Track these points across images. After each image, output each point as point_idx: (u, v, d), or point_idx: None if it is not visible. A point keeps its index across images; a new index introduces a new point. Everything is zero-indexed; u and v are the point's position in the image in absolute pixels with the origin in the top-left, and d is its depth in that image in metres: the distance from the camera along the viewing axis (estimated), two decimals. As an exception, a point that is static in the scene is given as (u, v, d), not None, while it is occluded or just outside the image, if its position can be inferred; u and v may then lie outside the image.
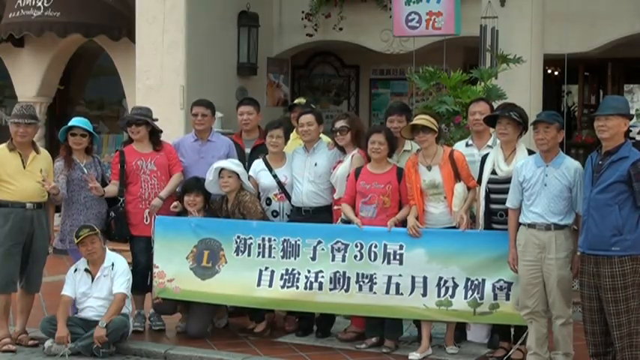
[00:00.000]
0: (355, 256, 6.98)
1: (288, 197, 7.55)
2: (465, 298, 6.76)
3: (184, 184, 7.68)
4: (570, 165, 6.22)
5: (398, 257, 6.87)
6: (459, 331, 7.16)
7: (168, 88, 11.10)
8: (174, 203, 7.65)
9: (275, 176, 7.56)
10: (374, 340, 7.16)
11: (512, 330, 6.90)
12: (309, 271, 7.09)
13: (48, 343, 7.13)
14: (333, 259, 7.03)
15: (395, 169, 7.04)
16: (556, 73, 13.48)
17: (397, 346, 7.10)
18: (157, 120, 7.89)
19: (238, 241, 7.29)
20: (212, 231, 7.39)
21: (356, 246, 6.97)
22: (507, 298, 6.67)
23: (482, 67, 8.65)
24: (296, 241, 7.14)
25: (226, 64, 11.89)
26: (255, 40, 12.10)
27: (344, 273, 7.00)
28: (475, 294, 6.74)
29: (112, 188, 7.65)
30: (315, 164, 7.44)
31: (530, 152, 6.57)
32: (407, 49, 11.13)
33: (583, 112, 14.07)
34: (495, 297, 6.70)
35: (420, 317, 6.96)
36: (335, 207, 7.37)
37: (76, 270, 7.34)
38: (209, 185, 7.46)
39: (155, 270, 7.46)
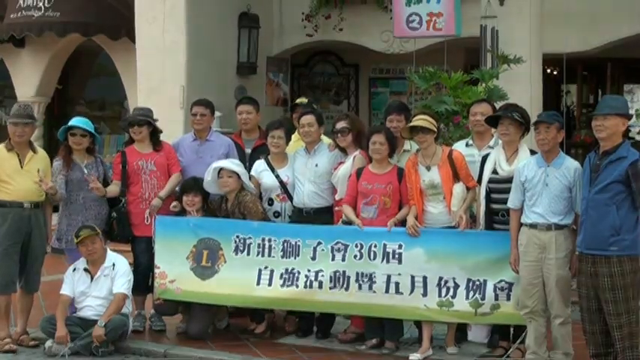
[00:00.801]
0: (355, 256, 6.98)
1: (290, 198, 7.53)
2: (467, 298, 6.76)
3: (183, 184, 7.67)
4: (570, 165, 6.22)
5: (397, 256, 6.88)
6: (460, 332, 7.14)
7: (169, 88, 11.05)
8: (174, 203, 7.63)
9: (277, 176, 7.53)
10: (374, 341, 7.11)
11: (511, 329, 6.88)
12: (309, 271, 7.09)
13: (48, 343, 7.14)
14: (332, 259, 7.03)
15: (395, 169, 7.04)
16: (555, 72, 13.48)
17: (398, 348, 7.08)
18: (157, 120, 7.90)
19: (237, 240, 7.28)
20: (211, 230, 7.37)
21: (356, 246, 6.98)
22: (508, 299, 6.67)
23: (483, 68, 8.63)
24: (296, 242, 7.14)
25: (227, 63, 11.85)
26: (255, 40, 12.06)
27: (344, 272, 7.00)
28: (477, 294, 6.74)
29: (113, 188, 7.65)
30: (316, 165, 7.43)
31: (533, 152, 6.56)
32: (407, 50, 11.07)
33: (582, 112, 14.05)
34: (497, 297, 6.70)
35: (421, 318, 6.94)
36: (336, 208, 7.37)
37: (74, 269, 7.34)
38: (207, 185, 7.45)
39: (156, 270, 7.43)
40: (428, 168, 6.82)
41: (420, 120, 6.78)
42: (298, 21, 12.37)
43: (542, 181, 6.19)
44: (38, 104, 13.05)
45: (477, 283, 6.74)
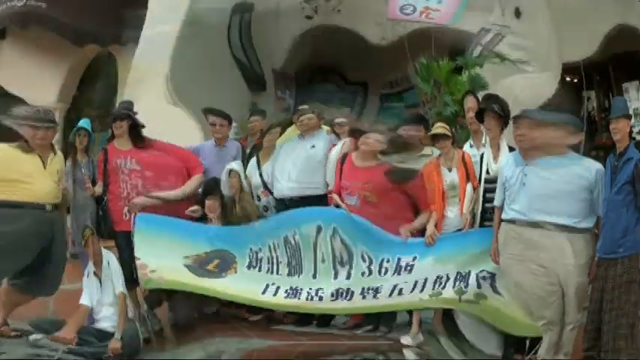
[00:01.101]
0: (363, 273, 6.86)
1: (271, 192, 7.66)
2: (454, 287, 6.65)
3: (204, 187, 7.63)
4: (591, 166, 6.11)
5: (409, 268, 6.76)
6: (461, 340, 6.87)
7: (157, 82, 10.75)
8: (194, 207, 7.49)
9: (261, 175, 7.69)
10: (370, 327, 7.23)
11: (527, 342, 6.62)
12: (310, 289, 6.96)
13: (34, 336, 6.84)
14: (335, 277, 6.91)
15: (382, 167, 7.00)
16: (575, 80, 13.28)
17: (391, 330, 7.10)
18: (137, 113, 7.65)
19: (250, 254, 7.20)
20: (227, 242, 7.29)
21: (363, 260, 6.85)
22: (494, 291, 6.50)
23: (467, 55, 8.93)
24: (300, 254, 7.03)
25: (224, 61, 11.80)
26: (247, 23, 12.02)
27: (348, 289, 6.88)
28: (461, 284, 6.61)
29: (97, 189, 7.54)
30: (313, 146, 7.54)
31: (512, 149, 6.55)
32: (399, 34, 11.05)
33: (602, 116, 13.93)
34: (479, 286, 6.53)
35: (414, 307, 6.87)
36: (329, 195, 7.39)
37: (87, 275, 7.15)
38: (222, 185, 7.56)
39: (137, 262, 7.17)
40: (449, 169, 6.85)
41: (439, 128, 6.90)
42: (296, 3, 12.31)
43: (519, 181, 6.13)
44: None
45: (463, 273, 6.64)
